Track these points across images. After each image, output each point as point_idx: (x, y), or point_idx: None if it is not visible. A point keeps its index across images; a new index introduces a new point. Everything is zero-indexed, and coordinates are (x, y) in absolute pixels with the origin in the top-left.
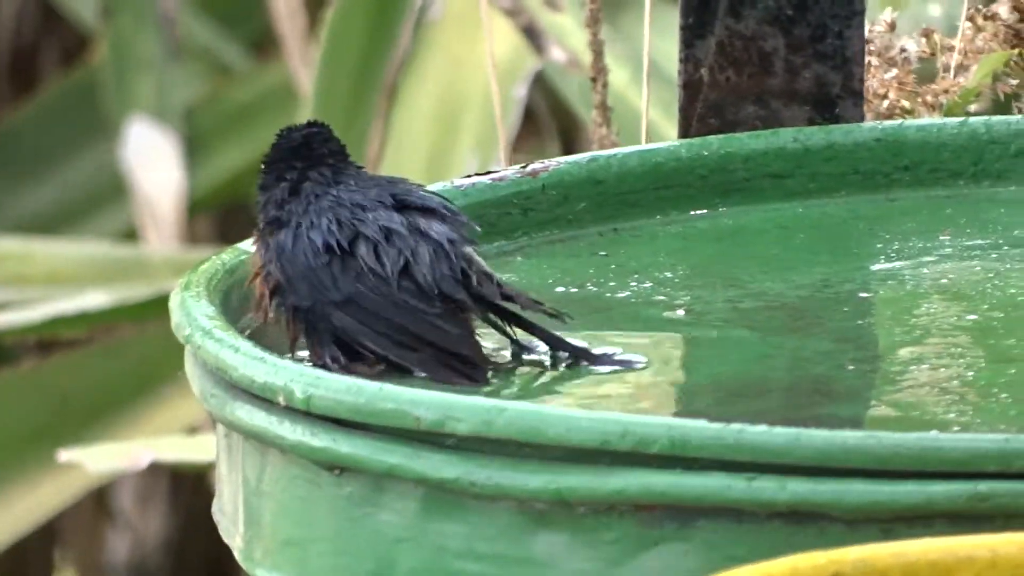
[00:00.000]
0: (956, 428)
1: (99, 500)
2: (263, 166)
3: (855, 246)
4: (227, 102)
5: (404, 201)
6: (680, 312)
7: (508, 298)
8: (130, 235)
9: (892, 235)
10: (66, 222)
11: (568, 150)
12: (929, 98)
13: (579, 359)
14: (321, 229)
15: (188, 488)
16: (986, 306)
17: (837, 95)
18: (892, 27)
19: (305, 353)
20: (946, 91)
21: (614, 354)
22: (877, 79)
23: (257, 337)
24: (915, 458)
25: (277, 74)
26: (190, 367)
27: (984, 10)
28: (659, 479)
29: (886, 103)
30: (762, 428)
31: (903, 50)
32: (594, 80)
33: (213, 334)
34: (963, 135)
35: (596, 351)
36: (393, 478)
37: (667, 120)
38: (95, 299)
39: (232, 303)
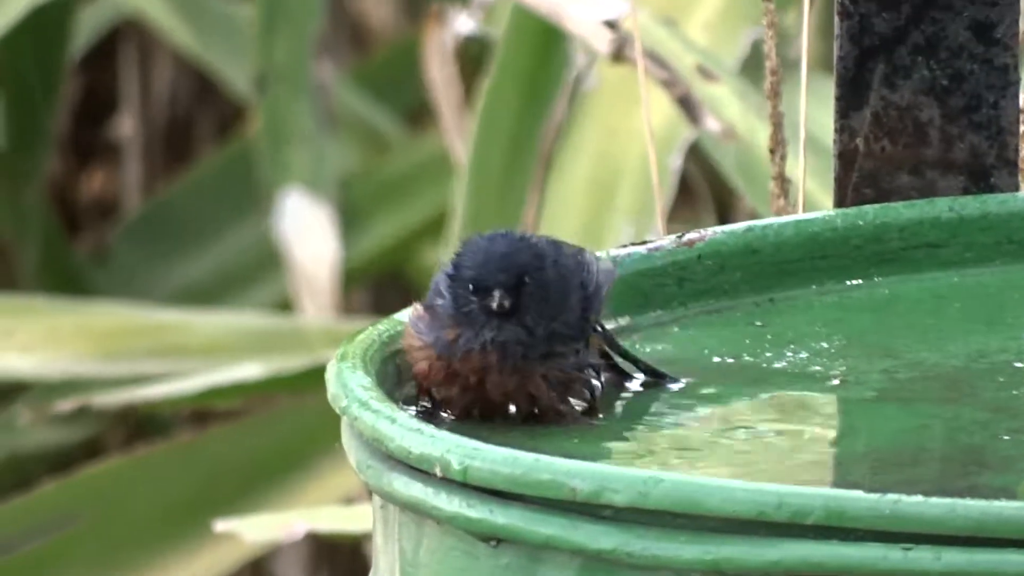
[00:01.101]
0: None
1: (256, 571)
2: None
3: (1010, 316)
4: (382, 173)
5: None
6: (836, 382)
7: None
8: (285, 307)
9: None
10: (222, 294)
11: (723, 220)
12: None
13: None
14: None
15: (344, 559)
16: None
17: (992, 165)
18: None
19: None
20: None
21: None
22: None
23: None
24: None
25: (432, 145)
26: (346, 438)
27: None
28: (815, 550)
29: None
30: (918, 499)
31: None
32: (772, 152)
33: (370, 405)
34: None
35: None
36: (550, 549)
37: (822, 190)
38: (251, 370)
39: (389, 374)
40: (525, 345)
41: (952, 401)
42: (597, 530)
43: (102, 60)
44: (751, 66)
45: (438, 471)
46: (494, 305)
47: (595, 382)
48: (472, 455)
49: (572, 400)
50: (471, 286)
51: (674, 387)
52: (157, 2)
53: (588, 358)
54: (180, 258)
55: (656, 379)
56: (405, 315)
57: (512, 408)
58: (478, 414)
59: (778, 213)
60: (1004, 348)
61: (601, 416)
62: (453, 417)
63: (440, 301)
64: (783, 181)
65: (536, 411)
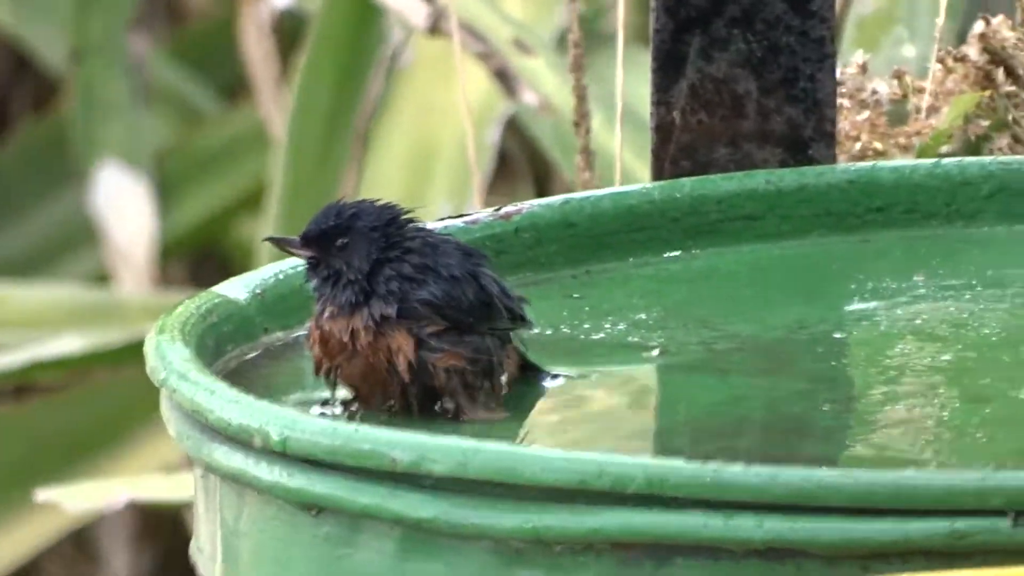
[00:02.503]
0: (932, 466)
1: (78, 541)
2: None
3: (829, 287)
4: (198, 146)
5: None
6: (654, 353)
7: None
8: (102, 279)
9: (866, 276)
10: (37, 267)
11: (541, 193)
12: (901, 140)
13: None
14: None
15: (166, 528)
16: (960, 346)
17: (809, 137)
18: (864, 69)
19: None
20: (918, 133)
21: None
22: (849, 121)
23: (232, 380)
24: (892, 496)
25: (249, 119)
26: (166, 410)
27: (954, 52)
28: (637, 518)
29: (858, 145)
30: (738, 467)
31: (875, 92)
32: (577, 125)
33: (188, 377)
34: (936, 176)
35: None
36: (370, 518)
37: (640, 163)
38: (71, 344)
39: (208, 346)
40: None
41: (771, 372)
42: (417, 499)
43: None
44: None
45: (258, 442)
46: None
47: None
48: (291, 426)
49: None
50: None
51: (549, 383)
52: None
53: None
54: None
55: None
56: (223, 288)
57: (404, 378)
58: (374, 391)
59: (584, 186)
60: (823, 319)
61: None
62: (359, 405)
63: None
64: (588, 154)
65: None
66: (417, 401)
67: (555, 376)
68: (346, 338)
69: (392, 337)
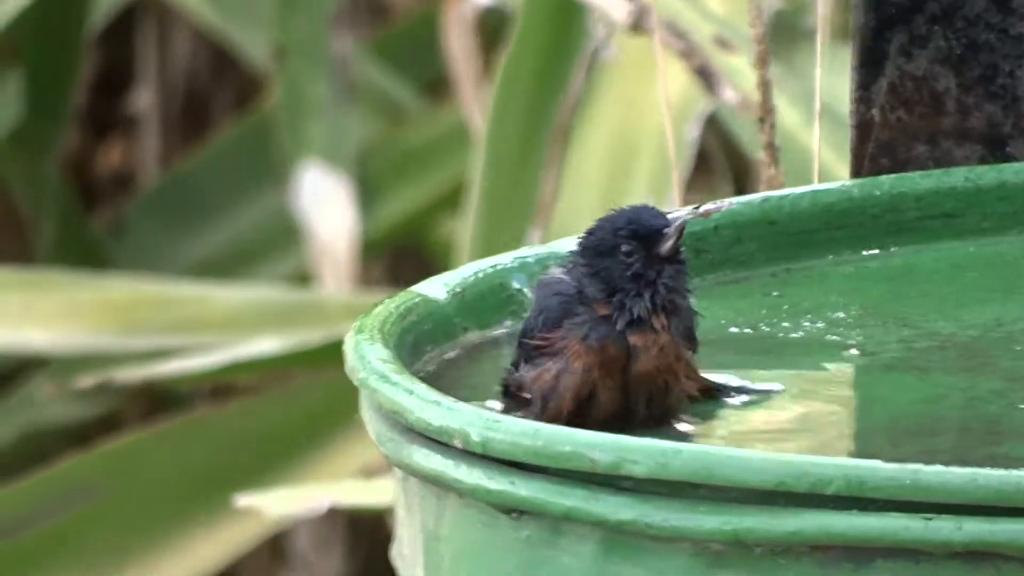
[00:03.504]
0: None
1: (276, 545)
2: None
3: None
4: (400, 144)
5: None
6: (853, 352)
7: None
8: (303, 279)
9: None
10: (239, 267)
11: (740, 191)
12: None
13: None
14: None
15: (366, 532)
16: None
17: (1008, 134)
18: None
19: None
20: None
21: (750, 386)
22: None
23: (431, 380)
24: None
25: (451, 116)
26: (365, 411)
27: None
28: (836, 520)
29: None
30: (938, 468)
31: None
32: (762, 120)
33: (388, 378)
34: None
35: (733, 383)
36: (571, 521)
37: (839, 160)
38: (270, 345)
39: (406, 346)
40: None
41: (969, 371)
42: (617, 501)
43: (120, 34)
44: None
45: (458, 443)
46: (666, 248)
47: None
48: (492, 427)
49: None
50: (630, 237)
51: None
52: None
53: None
54: (198, 231)
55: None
56: (422, 287)
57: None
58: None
59: (768, 182)
60: (1021, 317)
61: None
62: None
63: (557, 298)
64: (773, 150)
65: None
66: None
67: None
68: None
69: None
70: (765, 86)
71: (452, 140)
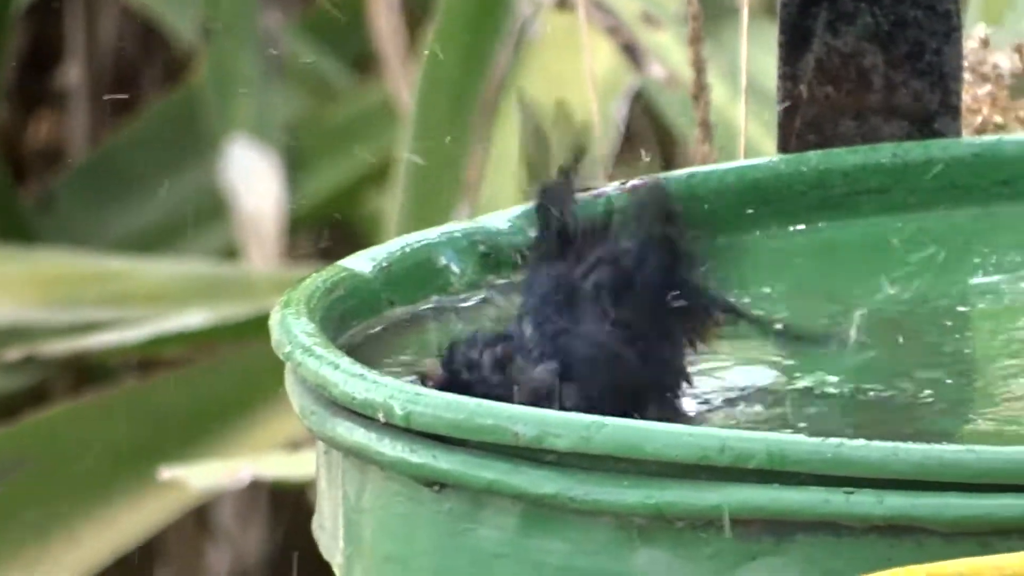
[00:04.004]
0: None
1: (200, 518)
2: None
3: (953, 260)
4: (328, 120)
5: None
6: (779, 327)
7: None
8: (231, 254)
9: (991, 249)
10: (167, 241)
11: (667, 167)
12: (1022, 113)
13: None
14: None
15: (288, 505)
16: None
17: (935, 111)
18: (986, 43)
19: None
20: None
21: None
22: (970, 95)
23: (356, 354)
24: (1013, 471)
25: (378, 92)
26: (290, 385)
27: None
28: (757, 494)
29: (979, 119)
30: (860, 443)
31: (996, 66)
32: (696, 98)
33: (313, 351)
34: None
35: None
36: (492, 494)
37: (766, 136)
38: (196, 318)
39: (333, 320)
40: None
41: (896, 346)
42: (539, 475)
43: (48, 9)
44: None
45: (381, 416)
46: None
47: None
48: (415, 400)
49: None
50: None
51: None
52: None
53: None
54: (126, 206)
55: None
56: (349, 261)
57: None
58: None
59: (702, 159)
60: (947, 293)
61: None
62: None
63: None
64: (707, 127)
65: None
66: None
67: None
68: None
69: None
70: (699, 64)
71: (379, 116)
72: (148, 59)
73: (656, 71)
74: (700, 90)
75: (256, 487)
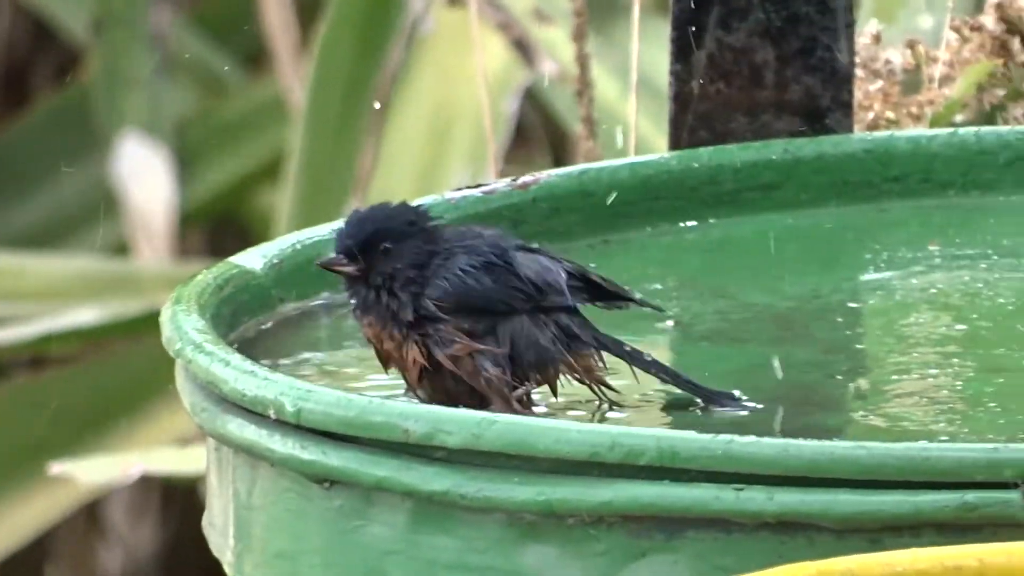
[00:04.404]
0: (944, 438)
1: (91, 515)
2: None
3: (844, 257)
4: (219, 117)
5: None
6: (669, 323)
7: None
8: (122, 250)
9: (882, 245)
10: (58, 237)
11: (559, 163)
12: (914, 109)
13: (696, 396)
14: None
15: (179, 502)
16: (975, 316)
17: (827, 107)
18: (878, 39)
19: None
20: (931, 102)
21: (732, 396)
22: (862, 91)
23: (247, 350)
24: (903, 468)
25: (269, 88)
26: (181, 381)
27: (970, 21)
28: (648, 490)
29: (871, 115)
30: (750, 439)
31: (888, 62)
32: (579, 94)
33: (203, 348)
34: (953, 146)
35: (714, 391)
36: (383, 491)
37: (657, 132)
38: (87, 315)
39: (224, 317)
40: (384, 307)
41: (786, 342)
42: (430, 472)
43: None
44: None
45: (272, 413)
46: (342, 269)
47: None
48: (305, 397)
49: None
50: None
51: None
52: None
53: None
54: (16, 202)
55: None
56: (240, 258)
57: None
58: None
59: (587, 155)
60: (838, 289)
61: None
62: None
63: None
64: (591, 123)
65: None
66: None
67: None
68: (389, 347)
69: (408, 345)
70: (583, 60)
71: (271, 112)
72: (39, 56)
73: (548, 67)
74: (584, 86)
75: (147, 485)
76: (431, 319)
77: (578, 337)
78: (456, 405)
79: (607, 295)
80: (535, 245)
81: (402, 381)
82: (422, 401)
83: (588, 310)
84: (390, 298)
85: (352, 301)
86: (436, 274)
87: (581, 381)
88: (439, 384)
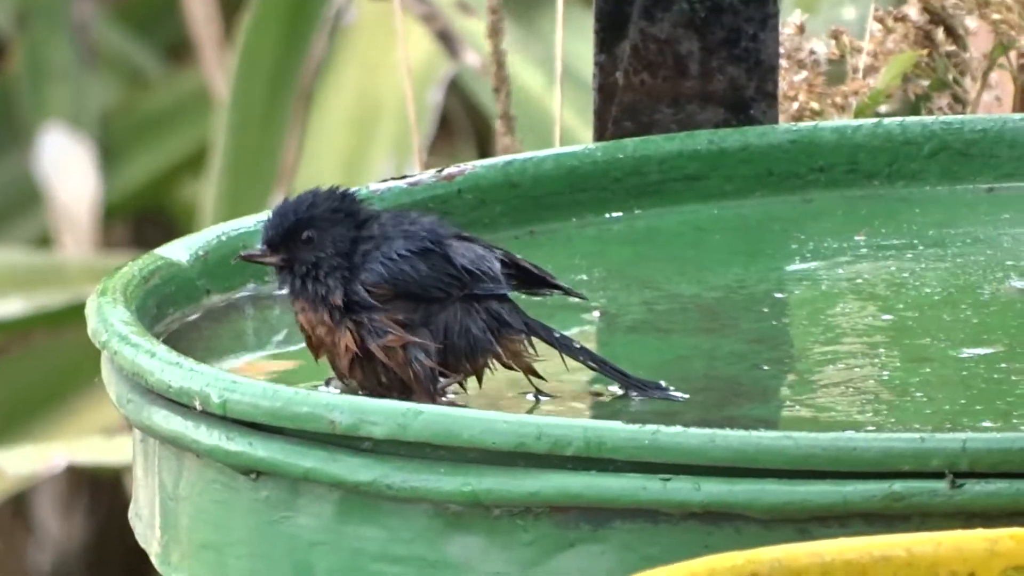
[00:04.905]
0: (871, 428)
1: (16, 506)
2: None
3: (770, 247)
4: (142, 108)
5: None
6: (595, 314)
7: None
8: (45, 242)
9: (807, 236)
10: None
11: (484, 154)
12: (839, 99)
13: (624, 385)
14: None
15: (106, 493)
16: (901, 306)
17: (751, 97)
18: (801, 30)
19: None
20: (855, 92)
21: (659, 385)
22: (787, 81)
23: (173, 342)
24: (830, 458)
25: (192, 80)
26: (107, 372)
27: (894, 12)
28: (574, 481)
29: (796, 105)
30: (677, 429)
31: (812, 52)
32: (497, 90)
33: (129, 339)
34: (878, 136)
35: (642, 380)
36: (309, 482)
37: (582, 123)
38: (12, 307)
39: (149, 308)
40: (312, 293)
41: (712, 332)
42: (356, 462)
43: None
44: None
45: (198, 405)
46: (262, 260)
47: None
48: (231, 388)
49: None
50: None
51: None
52: None
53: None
54: None
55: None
56: (165, 250)
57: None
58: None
59: (505, 151)
60: (764, 279)
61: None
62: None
63: None
64: (509, 119)
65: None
66: (398, 388)
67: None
68: (320, 333)
69: (341, 331)
70: (499, 56)
71: (194, 104)
72: None
73: (471, 59)
74: (501, 83)
75: (74, 477)
76: (365, 307)
77: (509, 324)
78: (385, 395)
79: (535, 282)
80: (468, 233)
81: (328, 371)
82: (350, 390)
83: (516, 299)
84: (315, 284)
85: (284, 290)
86: (370, 259)
87: (509, 367)
88: (370, 372)
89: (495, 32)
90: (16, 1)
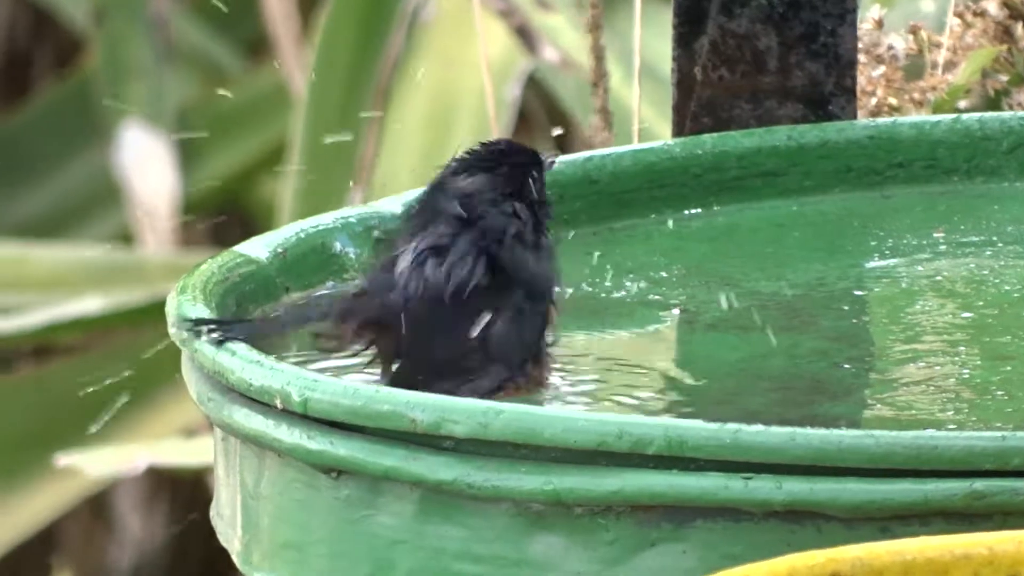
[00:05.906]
0: (952, 426)
1: (96, 506)
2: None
3: (849, 244)
4: (221, 105)
5: None
6: (675, 312)
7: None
8: (125, 239)
9: (886, 232)
10: (61, 227)
11: (562, 150)
12: (917, 95)
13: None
14: None
15: (186, 492)
16: (981, 303)
17: (830, 93)
18: (880, 24)
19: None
20: (934, 88)
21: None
22: (865, 76)
23: (253, 340)
24: (911, 457)
25: (271, 76)
26: (187, 371)
27: (973, 6)
28: (656, 479)
29: (874, 100)
30: (758, 428)
31: (891, 47)
32: (595, 85)
33: None
34: (957, 132)
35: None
36: (390, 480)
37: (661, 119)
38: (91, 304)
39: (228, 306)
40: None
41: (792, 330)
42: (437, 461)
43: None
44: None
45: (279, 403)
46: None
47: None
48: (312, 387)
49: None
50: None
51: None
52: None
53: None
54: (20, 192)
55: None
56: (244, 247)
57: None
58: None
59: (602, 146)
60: (843, 276)
61: None
62: None
63: None
64: (607, 114)
65: None
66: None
67: None
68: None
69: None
70: (598, 50)
71: (273, 100)
72: (40, 46)
73: (549, 54)
74: (599, 78)
75: (155, 475)
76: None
77: None
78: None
79: None
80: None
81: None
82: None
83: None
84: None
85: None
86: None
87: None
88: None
89: (595, 27)
90: None
